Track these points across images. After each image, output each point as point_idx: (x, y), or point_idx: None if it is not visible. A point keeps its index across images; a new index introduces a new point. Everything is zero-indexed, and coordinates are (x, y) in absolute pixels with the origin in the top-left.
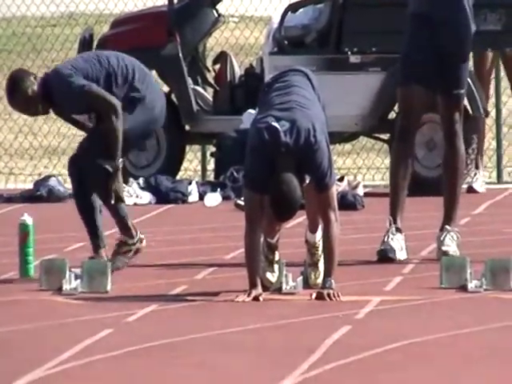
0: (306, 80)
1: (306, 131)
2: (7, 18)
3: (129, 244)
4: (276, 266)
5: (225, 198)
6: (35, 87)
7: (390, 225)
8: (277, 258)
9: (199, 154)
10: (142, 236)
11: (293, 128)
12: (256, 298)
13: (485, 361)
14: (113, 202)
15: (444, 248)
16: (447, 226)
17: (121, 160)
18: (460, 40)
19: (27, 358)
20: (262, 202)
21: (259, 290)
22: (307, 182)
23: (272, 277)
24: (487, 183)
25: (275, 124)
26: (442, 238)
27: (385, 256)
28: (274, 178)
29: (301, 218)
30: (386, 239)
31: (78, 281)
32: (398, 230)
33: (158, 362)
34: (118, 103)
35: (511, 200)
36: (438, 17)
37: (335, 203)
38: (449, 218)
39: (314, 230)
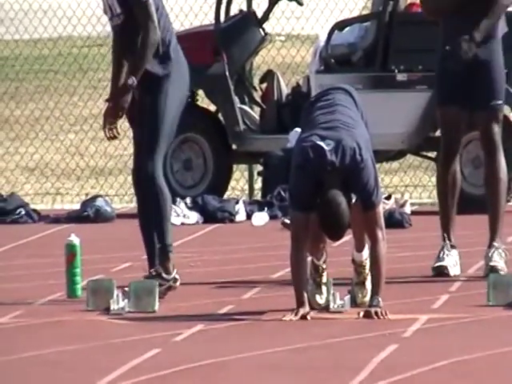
0: (349, 98)
1: (352, 150)
2: (53, 39)
3: (163, 278)
4: (324, 288)
5: (272, 217)
6: None
7: (445, 241)
8: (324, 280)
9: (246, 173)
10: (178, 276)
11: (338, 147)
12: (303, 317)
13: None
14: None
15: (492, 263)
16: (495, 243)
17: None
18: (490, 47)
19: (75, 379)
20: (308, 220)
21: (307, 308)
22: (353, 200)
23: (320, 299)
24: None
25: (320, 143)
26: (490, 255)
27: (441, 271)
28: (322, 196)
29: (347, 237)
30: (441, 255)
31: (126, 301)
32: (453, 246)
33: (205, 382)
34: (157, 32)
35: None
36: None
37: (382, 221)
38: (495, 233)
39: (360, 249)
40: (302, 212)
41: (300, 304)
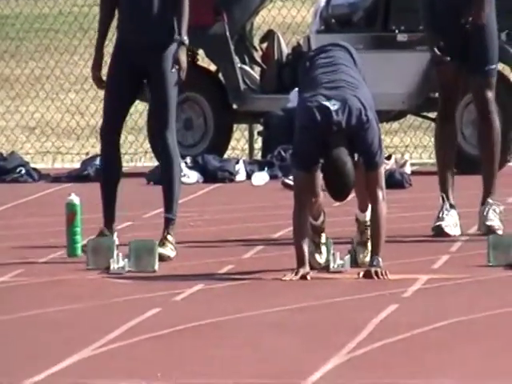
0: (348, 55)
1: (358, 110)
2: None
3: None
4: (324, 248)
5: (272, 176)
6: None
7: (444, 201)
8: (323, 240)
9: (246, 133)
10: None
11: (344, 107)
12: (304, 277)
13: None
14: None
15: (488, 223)
16: (489, 200)
17: None
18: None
19: (74, 338)
20: (311, 180)
21: (307, 268)
22: (356, 160)
23: (320, 258)
24: None
25: (326, 103)
26: (485, 213)
27: (441, 231)
28: (327, 156)
29: (348, 197)
30: (440, 215)
31: (126, 260)
32: (452, 206)
33: (205, 341)
34: None
35: None
36: None
37: (383, 182)
38: (488, 191)
39: (364, 209)
40: (306, 172)
41: (300, 264)
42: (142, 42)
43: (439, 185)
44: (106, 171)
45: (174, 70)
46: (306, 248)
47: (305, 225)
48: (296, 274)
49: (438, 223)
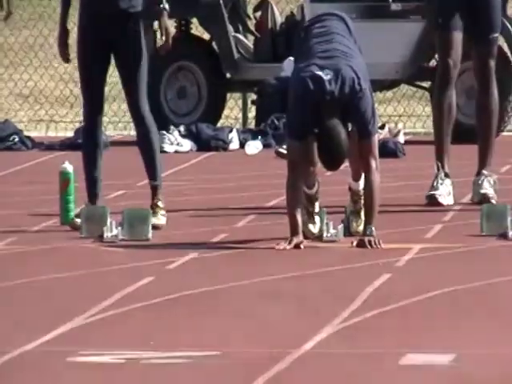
0: (344, 25)
1: (351, 80)
2: None
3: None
4: (317, 218)
5: (266, 145)
6: None
7: (439, 170)
8: (317, 209)
9: (240, 102)
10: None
11: (337, 76)
12: (297, 246)
13: None
14: None
15: (483, 191)
16: (484, 171)
17: None
18: None
19: (67, 306)
20: (304, 150)
21: (300, 237)
22: (349, 129)
23: (314, 228)
24: None
25: (319, 73)
26: (479, 182)
27: (434, 200)
28: (321, 126)
29: (341, 166)
30: (434, 184)
31: (119, 228)
32: (447, 175)
33: (198, 310)
34: None
35: None
36: None
37: (377, 151)
38: (484, 162)
39: (357, 179)
40: (299, 141)
41: (294, 233)
42: (107, 12)
43: (435, 153)
44: (89, 149)
45: (163, 38)
46: (299, 217)
47: (298, 194)
48: (289, 242)
49: (431, 192)
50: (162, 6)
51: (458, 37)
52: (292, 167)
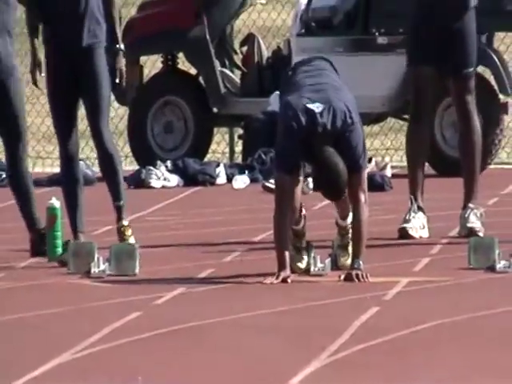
0: (330, 66)
1: (342, 113)
2: None
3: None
4: (305, 252)
5: (253, 180)
6: None
7: (412, 203)
8: (304, 244)
9: (227, 137)
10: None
11: (329, 109)
12: (284, 280)
13: None
14: None
15: (469, 225)
16: (470, 204)
17: None
18: (463, 17)
19: (55, 342)
20: (293, 184)
21: (287, 272)
22: None
23: (301, 264)
24: None
25: (310, 105)
26: (466, 216)
27: (405, 233)
28: (318, 157)
29: (327, 200)
30: (407, 217)
31: (107, 264)
32: (420, 208)
33: (186, 345)
34: None
35: None
36: (442, 1)
37: (366, 186)
38: (470, 195)
39: (345, 217)
40: (288, 175)
41: (281, 267)
42: (71, 48)
43: (409, 186)
44: (68, 185)
45: (117, 80)
46: (286, 251)
47: (286, 228)
48: (277, 277)
49: (403, 225)
50: (118, 46)
51: (430, 72)
52: (279, 202)
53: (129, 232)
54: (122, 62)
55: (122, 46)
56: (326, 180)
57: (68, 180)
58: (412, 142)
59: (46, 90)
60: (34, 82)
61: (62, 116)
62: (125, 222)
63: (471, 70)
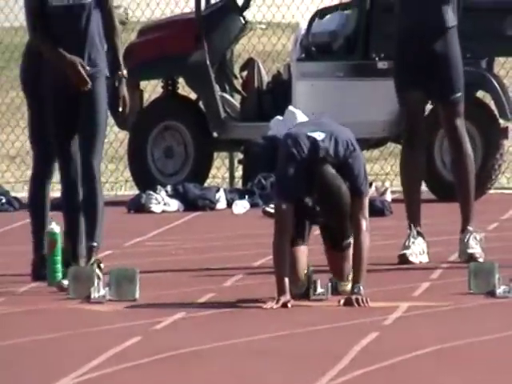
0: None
1: (344, 141)
2: (16, 28)
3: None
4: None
5: (253, 205)
6: None
7: (411, 229)
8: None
9: (227, 161)
10: None
11: (330, 137)
12: (284, 305)
13: None
14: None
15: (470, 251)
16: (469, 228)
17: None
18: (445, 39)
19: (55, 367)
20: (292, 211)
21: (287, 296)
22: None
23: (301, 288)
24: None
25: (312, 134)
26: (466, 241)
27: (405, 259)
28: (320, 181)
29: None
30: (406, 243)
31: (107, 289)
32: (419, 233)
33: (186, 369)
34: None
35: None
36: (420, 23)
37: (367, 212)
38: (467, 219)
39: (343, 279)
40: (289, 203)
41: (281, 292)
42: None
43: (406, 213)
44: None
45: (120, 108)
46: (286, 276)
47: (285, 253)
48: (277, 302)
49: (402, 251)
50: (120, 72)
51: (419, 96)
52: (280, 228)
53: (97, 270)
54: (125, 90)
55: (125, 73)
56: (329, 202)
57: (68, 206)
58: (407, 167)
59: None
60: (83, 79)
61: (64, 144)
62: (95, 265)
63: (459, 95)
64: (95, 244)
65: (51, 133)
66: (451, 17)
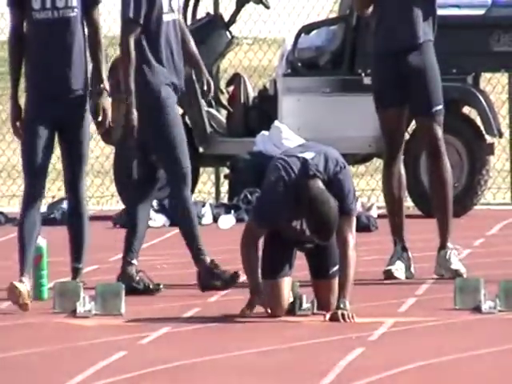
0: None
1: (334, 159)
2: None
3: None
4: (290, 292)
5: (239, 220)
6: None
7: (395, 245)
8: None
9: (213, 176)
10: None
11: (320, 155)
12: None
13: (499, 382)
14: None
15: (453, 267)
16: (448, 244)
17: None
18: (422, 53)
19: (40, 381)
20: (260, 237)
21: (262, 296)
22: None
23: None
24: (502, 204)
25: (302, 154)
26: (447, 257)
27: (390, 275)
28: (307, 195)
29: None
30: (392, 259)
31: (92, 303)
32: (404, 248)
33: (175, 383)
34: None
35: None
36: (396, 39)
37: (354, 230)
38: (446, 235)
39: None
40: (262, 228)
41: (254, 291)
42: (57, 91)
43: (390, 229)
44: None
45: (99, 118)
46: (257, 277)
47: (255, 257)
48: (249, 304)
49: (388, 267)
50: (102, 86)
51: (397, 113)
52: (246, 243)
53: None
54: (106, 102)
55: (107, 86)
56: (317, 216)
57: (28, 220)
58: (388, 184)
59: (24, 135)
60: (17, 133)
61: (35, 159)
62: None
63: (439, 107)
64: (81, 266)
65: (24, 148)
66: (427, 31)
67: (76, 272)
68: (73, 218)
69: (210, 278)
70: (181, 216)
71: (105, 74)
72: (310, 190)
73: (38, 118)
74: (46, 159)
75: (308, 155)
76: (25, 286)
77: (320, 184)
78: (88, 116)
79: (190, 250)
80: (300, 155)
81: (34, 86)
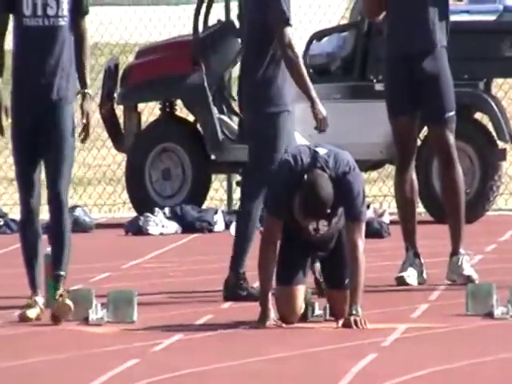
0: None
1: (345, 160)
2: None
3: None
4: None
5: None
6: None
7: (407, 251)
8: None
9: (225, 183)
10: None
11: (330, 154)
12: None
13: None
14: None
15: (466, 273)
16: (461, 250)
17: None
18: (435, 59)
19: None
20: (280, 227)
21: (271, 316)
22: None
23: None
24: None
25: (314, 148)
26: (459, 264)
27: (403, 281)
28: (305, 177)
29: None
30: (404, 265)
31: (105, 311)
32: (416, 254)
33: None
34: None
35: None
36: (409, 45)
37: (364, 235)
38: (458, 241)
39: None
40: (278, 217)
41: (263, 310)
42: (43, 97)
43: (402, 235)
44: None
45: (84, 121)
46: (270, 287)
47: (270, 266)
48: (259, 322)
49: (400, 274)
50: (86, 90)
51: (410, 121)
52: (265, 238)
53: (66, 301)
54: (87, 106)
55: (90, 91)
56: (307, 192)
57: (28, 235)
58: (400, 190)
59: (11, 141)
60: (1, 131)
61: (25, 169)
62: (64, 293)
63: (452, 114)
64: (63, 273)
65: (14, 160)
66: (440, 37)
67: (57, 279)
68: (53, 224)
69: (237, 289)
70: (247, 215)
71: (88, 79)
72: (311, 174)
73: (23, 123)
74: (35, 168)
75: (321, 150)
76: (35, 310)
77: (324, 174)
78: (70, 123)
79: (234, 253)
80: (313, 148)
81: (21, 90)
